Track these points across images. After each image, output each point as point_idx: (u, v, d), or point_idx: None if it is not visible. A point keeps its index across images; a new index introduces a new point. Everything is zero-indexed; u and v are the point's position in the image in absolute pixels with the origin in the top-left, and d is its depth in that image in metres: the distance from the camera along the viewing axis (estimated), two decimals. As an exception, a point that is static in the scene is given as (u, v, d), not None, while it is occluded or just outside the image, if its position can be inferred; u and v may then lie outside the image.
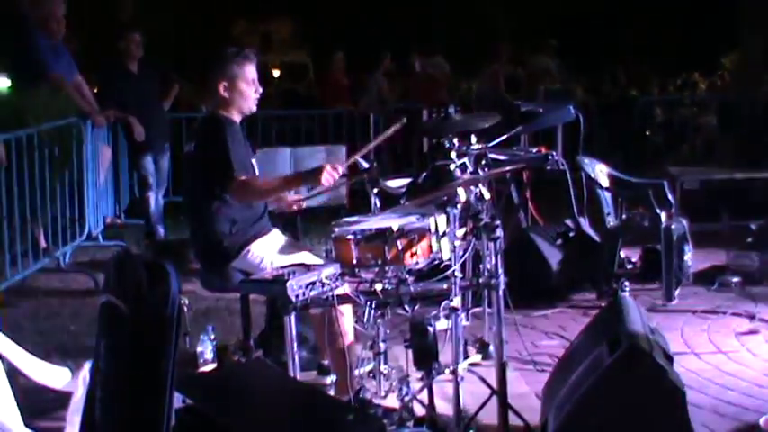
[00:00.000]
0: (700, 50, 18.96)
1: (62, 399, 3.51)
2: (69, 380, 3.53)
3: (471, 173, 4.60)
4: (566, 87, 12.81)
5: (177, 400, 2.73)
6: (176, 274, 2.62)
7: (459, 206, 3.90)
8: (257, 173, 4.30)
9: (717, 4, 16.18)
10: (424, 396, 3.78)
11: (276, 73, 22.68)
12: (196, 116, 9.97)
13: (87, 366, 3.06)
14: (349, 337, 3.92)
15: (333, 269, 3.58)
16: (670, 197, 6.49)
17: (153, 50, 8.77)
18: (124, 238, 8.03)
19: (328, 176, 3.92)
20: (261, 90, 4.27)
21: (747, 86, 11.32)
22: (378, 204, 4.73)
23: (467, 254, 4.09)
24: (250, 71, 4.21)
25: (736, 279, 6.13)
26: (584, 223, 6.38)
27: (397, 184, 5.28)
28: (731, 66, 16.55)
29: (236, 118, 4.23)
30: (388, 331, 3.76)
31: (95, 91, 8.15)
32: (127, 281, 2.64)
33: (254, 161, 4.32)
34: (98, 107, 7.62)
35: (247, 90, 4.20)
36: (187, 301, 3.03)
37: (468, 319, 4.85)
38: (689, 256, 6.13)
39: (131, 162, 8.32)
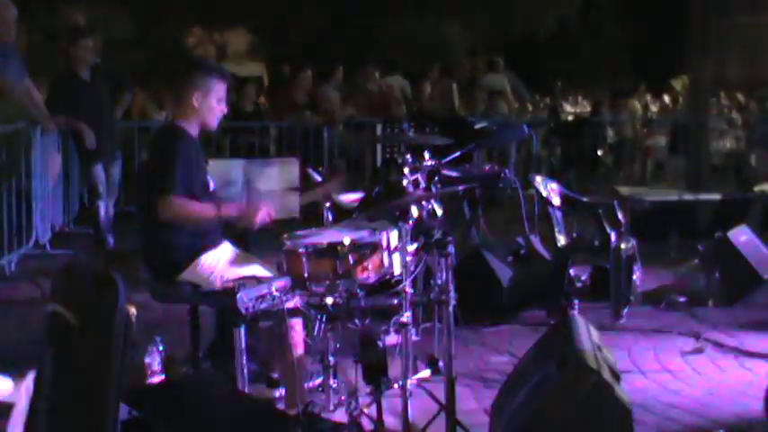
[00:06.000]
0: (651, 73, 19.31)
1: (3, 409, 3.44)
2: (11, 390, 3.46)
3: (424, 189, 4.61)
4: (521, 106, 12.94)
5: (123, 411, 2.69)
6: (125, 285, 2.60)
7: (411, 222, 3.90)
8: (212, 187, 4.26)
9: (668, 28, 16.47)
10: (372, 411, 3.77)
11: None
12: (149, 125, 9.97)
13: (31, 377, 3.01)
14: (298, 350, 3.90)
15: (284, 282, 3.57)
16: (620, 217, 6.56)
17: (106, 57, 8.68)
18: (73, 247, 7.92)
19: (264, 217, 4.07)
20: (225, 110, 4.25)
21: (696, 110, 11.52)
22: (330, 218, 4.72)
23: (418, 269, 4.10)
24: (223, 89, 4.21)
25: (682, 299, 6.21)
26: (536, 241, 6.42)
27: (349, 198, 5.28)
28: (681, 88, 16.86)
29: (195, 130, 4.20)
30: (338, 345, 3.75)
31: (46, 97, 8.03)
32: (74, 290, 2.61)
33: (208, 177, 4.27)
34: (48, 113, 7.51)
35: (217, 107, 4.19)
36: (135, 312, 3.00)
37: (418, 335, 4.85)
38: (638, 275, 6.20)
39: (81, 170, 8.20)
